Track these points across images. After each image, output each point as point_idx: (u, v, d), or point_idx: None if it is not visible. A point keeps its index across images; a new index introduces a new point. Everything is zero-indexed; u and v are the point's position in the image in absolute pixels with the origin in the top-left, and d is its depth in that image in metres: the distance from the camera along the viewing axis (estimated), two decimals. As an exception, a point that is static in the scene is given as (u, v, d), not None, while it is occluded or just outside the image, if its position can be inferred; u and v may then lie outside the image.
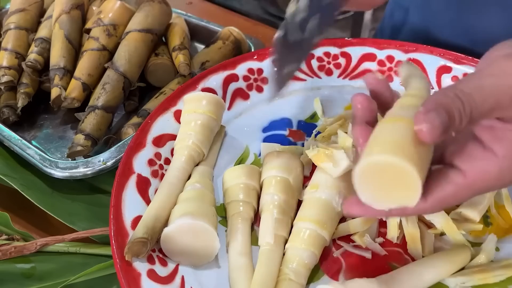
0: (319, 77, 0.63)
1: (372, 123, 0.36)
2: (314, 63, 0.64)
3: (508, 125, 0.33)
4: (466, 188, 0.34)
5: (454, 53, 0.60)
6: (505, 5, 0.60)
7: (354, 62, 0.63)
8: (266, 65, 0.62)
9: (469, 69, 0.59)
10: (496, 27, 0.62)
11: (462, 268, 0.44)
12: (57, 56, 0.64)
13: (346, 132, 0.55)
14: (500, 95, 0.33)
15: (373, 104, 0.37)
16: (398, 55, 0.63)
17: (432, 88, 0.60)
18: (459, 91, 0.32)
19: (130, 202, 0.45)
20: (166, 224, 0.44)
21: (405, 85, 0.38)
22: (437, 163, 0.35)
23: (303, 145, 0.56)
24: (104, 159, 0.53)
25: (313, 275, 0.44)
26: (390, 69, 0.63)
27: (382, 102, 0.38)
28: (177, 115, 0.54)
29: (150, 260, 0.42)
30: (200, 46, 0.76)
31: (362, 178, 0.31)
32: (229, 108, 0.59)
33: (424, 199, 0.33)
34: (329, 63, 0.64)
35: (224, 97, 0.59)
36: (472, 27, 0.64)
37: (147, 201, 0.47)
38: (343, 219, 0.48)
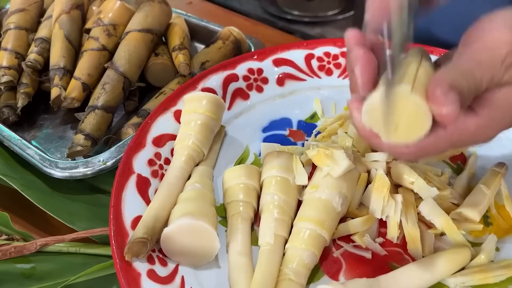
0: (319, 77, 0.63)
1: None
2: (314, 63, 0.64)
3: (495, 89, 0.35)
4: (443, 139, 0.35)
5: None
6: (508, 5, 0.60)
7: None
8: (266, 65, 0.62)
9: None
10: None
11: (462, 268, 0.44)
12: (57, 56, 0.64)
13: (346, 132, 0.55)
14: (495, 69, 0.34)
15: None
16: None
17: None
18: (462, 70, 0.34)
19: (130, 202, 0.45)
20: (166, 224, 0.44)
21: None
22: None
23: (303, 145, 0.56)
24: (104, 159, 0.53)
25: (313, 275, 0.44)
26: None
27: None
28: (177, 115, 0.54)
29: (150, 260, 0.42)
30: (200, 46, 0.76)
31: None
32: (229, 108, 0.59)
33: (406, 146, 0.35)
34: (329, 63, 0.64)
35: (224, 97, 0.59)
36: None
37: (147, 201, 0.47)
38: (343, 219, 0.48)
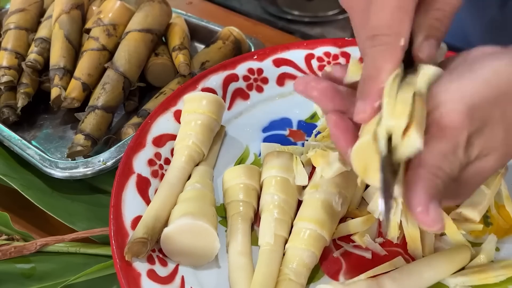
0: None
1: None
2: (314, 63, 0.64)
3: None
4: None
5: (454, 53, 0.60)
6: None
7: (354, 62, 0.63)
8: (266, 65, 0.62)
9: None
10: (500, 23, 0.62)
11: (462, 268, 0.44)
12: (57, 56, 0.64)
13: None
14: (461, 159, 0.35)
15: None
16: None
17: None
18: (434, 169, 0.34)
19: (130, 202, 0.45)
20: (166, 224, 0.44)
21: None
22: None
23: (303, 145, 0.56)
24: (104, 159, 0.53)
25: (313, 275, 0.44)
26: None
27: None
28: (177, 115, 0.54)
29: (150, 260, 0.42)
30: (200, 46, 0.76)
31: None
32: (229, 108, 0.59)
33: None
34: (329, 63, 0.64)
35: (224, 97, 0.59)
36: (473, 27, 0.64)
37: (147, 201, 0.46)
38: (343, 219, 0.48)
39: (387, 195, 0.33)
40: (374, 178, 0.34)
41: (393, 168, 0.34)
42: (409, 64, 0.37)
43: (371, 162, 0.34)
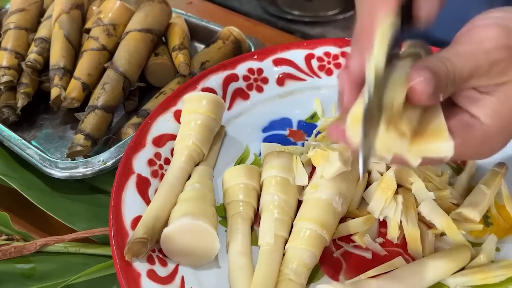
0: (319, 77, 0.63)
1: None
2: (314, 63, 0.64)
3: (485, 95, 0.35)
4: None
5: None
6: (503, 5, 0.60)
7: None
8: (266, 65, 0.62)
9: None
10: None
11: (462, 268, 0.44)
12: (57, 56, 0.64)
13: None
14: (478, 59, 0.34)
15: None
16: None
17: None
18: (440, 57, 0.34)
19: (130, 202, 0.45)
20: (166, 224, 0.44)
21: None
22: None
23: (303, 145, 0.56)
24: (104, 159, 0.53)
25: (313, 275, 0.44)
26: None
27: None
28: (177, 115, 0.54)
29: (150, 260, 0.42)
30: (200, 46, 0.76)
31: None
32: (229, 108, 0.59)
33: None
34: (329, 63, 0.64)
35: (224, 97, 0.59)
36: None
37: (147, 201, 0.46)
38: (343, 219, 0.48)
39: (367, 143, 0.33)
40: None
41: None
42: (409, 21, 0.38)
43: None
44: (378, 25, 0.35)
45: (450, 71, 0.33)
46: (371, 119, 0.32)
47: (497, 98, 0.35)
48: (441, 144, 0.34)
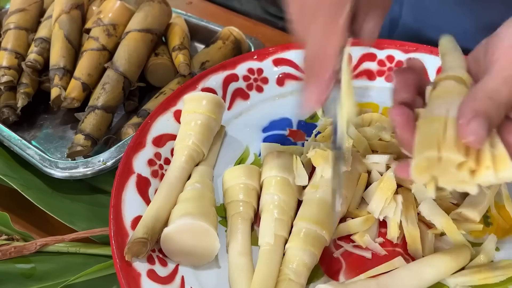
0: (319, 77, 0.63)
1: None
2: (314, 63, 0.63)
3: None
4: None
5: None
6: (508, 3, 0.60)
7: (354, 62, 0.63)
8: (266, 65, 0.62)
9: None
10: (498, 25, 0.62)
11: (462, 268, 0.44)
12: (57, 56, 0.64)
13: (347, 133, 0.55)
14: None
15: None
16: (398, 55, 0.62)
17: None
18: (488, 92, 0.33)
19: (130, 202, 0.45)
20: (166, 224, 0.44)
21: (442, 62, 0.40)
22: None
23: (303, 145, 0.56)
24: (104, 159, 0.53)
25: (313, 275, 0.44)
26: (390, 69, 0.63)
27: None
28: (177, 115, 0.54)
29: (150, 260, 0.42)
30: (200, 46, 0.76)
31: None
32: (229, 108, 0.59)
33: None
34: (329, 63, 0.63)
35: (224, 97, 0.59)
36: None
37: (147, 201, 0.46)
38: (343, 219, 0.48)
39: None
40: None
41: None
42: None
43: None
44: (333, 56, 0.35)
45: (501, 104, 0.33)
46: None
47: None
48: (507, 173, 0.33)
